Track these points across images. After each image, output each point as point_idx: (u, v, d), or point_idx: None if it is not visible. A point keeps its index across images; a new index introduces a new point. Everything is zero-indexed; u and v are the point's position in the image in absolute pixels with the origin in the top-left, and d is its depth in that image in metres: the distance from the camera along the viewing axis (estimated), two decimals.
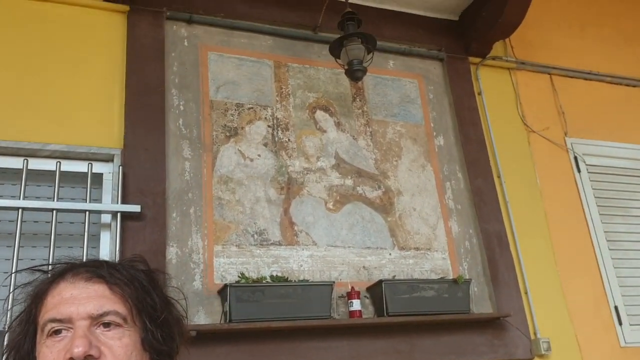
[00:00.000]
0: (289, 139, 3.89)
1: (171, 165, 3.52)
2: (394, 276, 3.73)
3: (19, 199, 3.08)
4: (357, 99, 4.24)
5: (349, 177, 3.94)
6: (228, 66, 3.94)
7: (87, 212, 3.20)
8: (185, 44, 3.88)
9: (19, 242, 3.01)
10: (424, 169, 4.19)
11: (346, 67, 3.75)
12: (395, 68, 4.46)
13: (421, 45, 4.55)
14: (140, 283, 1.35)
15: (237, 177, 3.65)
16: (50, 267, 1.36)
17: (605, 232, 4.41)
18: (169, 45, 3.80)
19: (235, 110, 3.83)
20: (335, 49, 3.79)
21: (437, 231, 4.02)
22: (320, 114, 4.09)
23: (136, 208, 3.26)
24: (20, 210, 3.08)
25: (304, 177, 3.82)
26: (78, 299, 1.26)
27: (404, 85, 4.46)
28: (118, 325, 1.28)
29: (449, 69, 4.57)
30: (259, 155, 3.77)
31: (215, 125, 3.73)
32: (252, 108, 3.88)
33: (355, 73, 3.72)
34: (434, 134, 4.36)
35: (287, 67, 4.11)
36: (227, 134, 3.74)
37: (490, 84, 4.67)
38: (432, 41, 4.58)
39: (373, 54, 3.81)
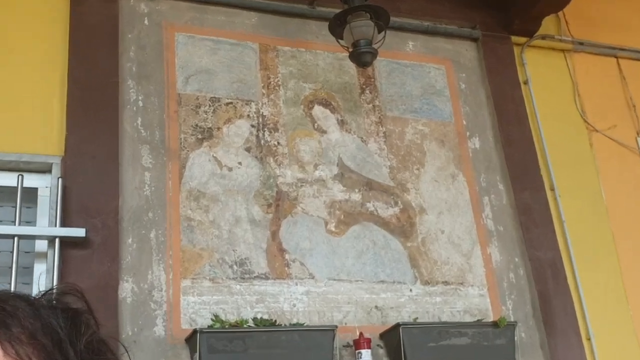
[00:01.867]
0: (278, 142, 3.86)
1: (126, 176, 3.51)
2: (416, 318, 3.67)
3: None
4: (367, 91, 4.22)
5: (357, 191, 3.90)
6: (201, 51, 3.93)
7: (15, 238, 3.15)
8: (146, 22, 3.87)
9: None
10: (454, 179, 4.15)
11: (351, 49, 3.73)
12: (416, 51, 4.44)
13: (449, 21, 4.52)
14: (54, 336, 1.10)
15: (212, 191, 3.62)
16: None
17: None
18: (124, 24, 3.80)
19: (209, 106, 3.82)
20: (337, 27, 3.76)
21: (473, 260, 3.96)
22: (318, 110, 4.06)
23: (80, 232, 3.23)
24: None
25: (298, 190, 3.78)
26: None
27: (428, 73, 4.43)
28: None
29: (486, 51, 4.54)
30: (240, 164, 3.74)
31: (184, 125, 3.71)
32: (231, 103, 3.87)
33: (362, 57, 3.68)
34: (467, 134, 4.33)
35: (277, 51, 4.09)
36: (199, 136, 3.72)
37: (540, 70, 4.63)
38: (464, 16, 4.55)
39: (385, 32, 3.78)
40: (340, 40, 3.80)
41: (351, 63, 3.91)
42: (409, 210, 3.97)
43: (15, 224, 3.17)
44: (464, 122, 4.36)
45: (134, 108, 3.67)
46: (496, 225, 4.10)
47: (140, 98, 3.70)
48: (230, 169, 3.71)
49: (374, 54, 3.68)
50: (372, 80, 4.26)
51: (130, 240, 3.40)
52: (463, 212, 4.07)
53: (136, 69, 3.75)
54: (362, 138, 4.08)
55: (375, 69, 4.26)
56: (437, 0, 4.50)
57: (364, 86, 4.23)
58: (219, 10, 4.05)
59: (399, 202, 3.97)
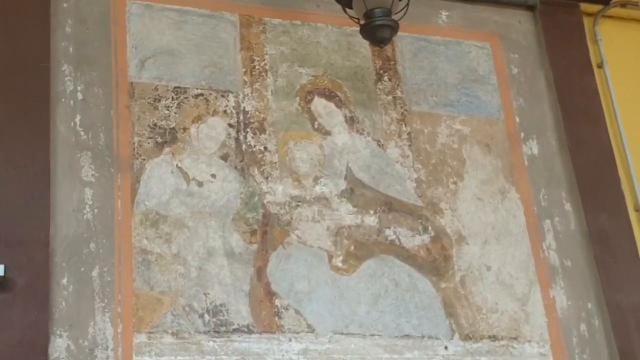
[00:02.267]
0: (265, 148, 3.85)
1: (60, 194, 3.50)
2: None
3: None
4: (385, 78, 4.18)
5: (372, 213, 3.87)
6: (161, 24, 3.91)
7: None
8: None
9: None
10: (504, 196, 4.12)
11: (363, 22, 3.72)
12: (451, 23, 4.39)
13: None
14: None
15: (176, 213, 3.60)
16: None
17: None
18: None
19: (172, 99, 3.81)
20: None
21: (530, 307, 3.92)
22: (320, 104, 4.04)
23: None
24: None
25: (292, 212, 3.76)
26: None
27: (467, 53, 4.37)
28: None
29: (546, 24, 4.52)
30: (214, 176, 3.72)
31: (139, 125, 3.70)
32: (201, 95, 3.85)
33: (378, 32, 3.68)
34: (522, 135, 4.30)
35: (263, 25, 4.06)
36: (159, 139, 3.71)
37: (619, 48, 4.65)
38: None
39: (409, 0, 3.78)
40: (348, 10, 3.79)
41: (363, 40, 3.89)
42: (443, 239, 3.93)
43: None
44: (517, 120, 4.33)
45: (71, 102, 3.66)
46: (562, 259, 4.07)
47: (79, 89, 3.68)
48: (200, 184, 3.68)
49: (394, 28, 3.66)
50: (393, 63, 4.22)
51: (65, 281, 3.37)
52: (516, 241, 4.04)
53: (74, 50, 3.74)
54: (378, 141, 4.04)
55: (397, 49, 4.21)
56: None
57: (381, 71, 4.19)
58: None
59: (430, 228, 3.94)
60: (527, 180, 4.19)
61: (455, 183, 4.09)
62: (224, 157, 3.78)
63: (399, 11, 3.73)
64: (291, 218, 3.75)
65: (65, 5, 3.80)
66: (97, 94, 3.70)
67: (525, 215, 4.11)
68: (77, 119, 3.64)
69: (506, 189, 4.15)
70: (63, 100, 3.65)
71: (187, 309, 3.46)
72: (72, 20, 3.79)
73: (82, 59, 3.73)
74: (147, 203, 3.59)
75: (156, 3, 3.94)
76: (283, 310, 3.58)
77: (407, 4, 3.76)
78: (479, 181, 4.12)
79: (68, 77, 3.69)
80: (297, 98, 4.02)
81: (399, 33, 3.89)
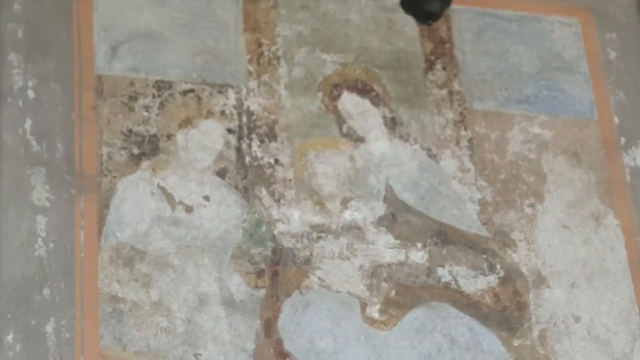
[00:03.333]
0: (276, 160, 3.84)
1: (5, 223, 3.51)
2: None
3: None
4: (438, 65, 4.17)
5: (419, 246, 3.85)
6: (137, 0, 3.93)
7: None
8: None
9: None
10: (598, 222, 4.08)
11: None
12: None
13: None
14: None
15: (157, 248, 3.60)
16: None
17: None
18: None
19: (154, 97, 3.82)
20: None
21: None
22: (350, 101, 4.03)
23: None
24: None
25: (313, 246, 3.74)
26: None
27: (549, 32, 4.37)
28: None
29: None
30: (207, 199, 3.71)
31: (109, 131, 3.71)
32: (192, 91, 3.86)
33: (425, 4, 3.70)
34: (622, 141, 4.27)
35: None
36: (135, 150, 3.71)
37: None
38: None
39: None
40: None
41: (408, 17, 3.90)
42: (516, 281, 3.89)
43: None
44: (616, 120, 4.30)
45: (20, 102, 3.68)
46: None
47: (30, 85, 3.71)
48: (189, 209, 3.68)
49: (445, 0, 3.64)
50: (448, 46, 4.21)
51: (10, 338, 3.37)
52: (615, 282, 3.99)
53: (24, 34, 3.78)
54: (429, 150, 4.03)
55: (453, 27, 4.23)
56: None
57: (432, 57, 4.18)
58: None
59: (498, 267, 3.90)
60: (630, 201, 4.17)
61: (532, 206, 4.05)
62: (221, 174, 3.78)
63: None
64: (311, 254, 3.74)
65: None
66: (54, 92, 3.73)
67: (627, 248, 4.07)
68: (28, 124, 3.66)
69: (601, 214, 4.11)
70: (9, 99, 3.68)
71: None
72: None
73: (35, 46, 3.77)
74: (118, 234, 3.59)
75: None
76: None
77: None
78: (564, 203, 4.09)
79: (16, 70, 3.73)
80: (320, 93, 4.02)
81: (457, 6, 3.91)
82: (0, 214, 3.50)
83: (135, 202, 3.63)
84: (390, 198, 3.90)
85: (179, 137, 3.77)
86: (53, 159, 3.61)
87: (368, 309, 3.70)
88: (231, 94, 3.88)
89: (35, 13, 3.79)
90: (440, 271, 3.83)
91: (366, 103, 4.04)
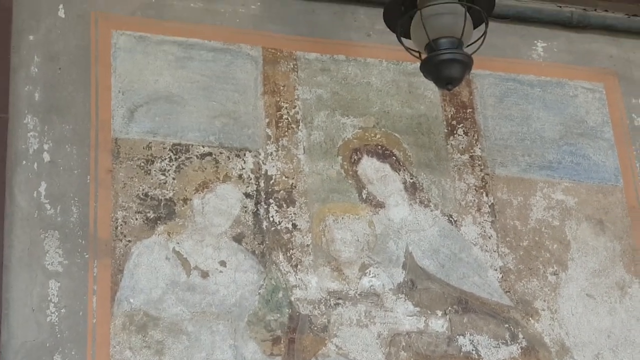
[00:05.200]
0: (294, 225, 3.81)
1: (16, 288, 3.46)
2: None
3: None
4: (460, 130, 4.16)
5: (440, 314, 3.80)
6: (158, 62, 3.94)
7: None
8: (61, 14, 3.90)
9: None
10: (624, 292, 4.04)
11: (425, 55, 3.67)
12: (551, 58, 4.40)
13: (610, 3, 4.52)
14: None
15: (171, 314, 3.55)
16: None
17: None
18: (22, 18, 3.83)
19: (171, 160, 3.80)
20: (398, 17, 3.73)
21: None
22: (370, 166, 4.01)
23: None
24: None
25: (331, 314, 3.70)
26: None
27: (573, 97, 4.35)
28: None
29: None
30: (224, 265, 3.68)
31: (124, 195, 3.68)
32: (209, 155, 3.84)
33: (445, 69, 3.61)
34: None
35: (295, 61, 4.09)
36: (151, 214, 3.68)
37: None
38: None
39: (487, 25, 3.73)
40: (405, 41, 3.76)
41: (428, 80, 3.80)
42: (540, 352, 3.84)
43: None
44: None
45: (35, 165, 3.65)
46: None
47: (46, 147, 3.68)
48: (205, 275, 3.64)
49: (466, 65, 3.60)
50: (470, 111, 4.20)
51: None
52: None
53: (41, 97, 3.76)
54: (450, 217, 4.00)
55: (475, 92, 4.23)
56: None
57: (454, 122, 4.17)
58: None
59: (521, 336, 3.85)
60: None
61: (555, 274, 4.01)
62: (238, 239, 3.75)
63: (474, 42, 3.69)
64: (328, 321, 3.69)
65: (31, 37, 3.84)
66: (69, 154, 3.70)
67: None
68: (42, 187, 3.63)
69: (627, 283, 4.07)
70: (24, 162, 3.65)
71: None
72: (40, 58, 3.83)
73: (52, 108, 3.75)
74: (132, 300, 3.54)
75: (152, 34, 3.99)
76: None
77: (485, 33, 3.71)
78: (589, 271, 4.05)
79: (32, 132, 3.70)
80: (339, 158, 4.01)
81: (479, 71, 3.93)
82: (13, 278, 3.46)
83: (149, 267, 3.60)
84: (409, 265, 3.87)
85: (196, 201, 3.75)
86: (67, 222, 3.58)
87: None
88: (249, 157, 3.87)
89: (52, 75, 3.79)
90: (461, 340, 3.78)
91: (386, 168, 4.03)
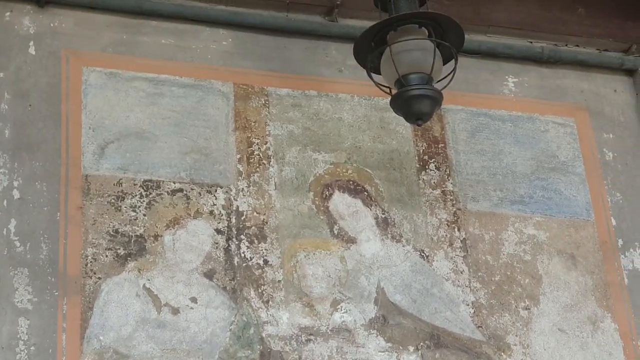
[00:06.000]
0: (265, 261, 3.79)
1: None
2: None
3: None
4: (432, 165, 4.16)
5: (411, 349, 3.78)
6: (128, 99, 3.93)
7: None
8: (32, 50, 3.91)
9: None
10: (595, 327, 4.04)
11: (395, 91, 3.66)
12: (522, 93, 4.42)
13: (582, 40, 4.54)
14: None
15: (141, 352, 3.53)
16: None
17: None
18: None
19: (141, 197, 3.78)
20: (368, 52, 3.73)
21: None
22: (342, 202, 4.00)
23: None
24: None
25: (302, 350, 3.68)
26: None
27: (544, 132, 4.37)
28: None
29: None
30: (194, 300, 3.66)
31: (94, 232, 3.66)
32: (180, 191, 3.83)
33: (415, 105, 3.60)
34: (620, 243, 4.24)
35: (266, 97, 4.10)
36: (121, 251, 3.66)
37: None
38: (608, 32, 4.56)
39: (457, 60, 3.72)
40: (375, 76, 3.75)
41: (399, 117, 3.78)
42: None
43: None
44: (613, 222, 4.27)
45: (4, 202, 3.63)
46: None
47: (15, 185, 3.67)
48: (175, 312, 3.62)
49: (435, 100, 3.59)
50: (441, 146, 4.20)
51: None
52: None
53: (11, 134, 3.74)
54: (422, 252, 3.99)
55: (447, 126, 4.24)
56: (556, 3, 4.52)
57: (425, 157, 4.17)
58: (163, 27, 4.10)
59: None
60: (628, 304, 4.12)
61: (527, 309, 4.01)
62: (209, 275, 3.73)
63: (444, 77, 3.68)
64: (300, 357, 3.68)
65: (1, 74, 3.83)
66: (39, 191, 3.69)
67: (625, 354, 4.02)
68: (12, 224, 3.62)
69: (599, 317, 4.06)
70: None
71: None
72: (11, 95, 3.82)
73: (22, 145, 3.74)
74: (102, 338, 3.52)
75: (123, 70, 3.98)
76: None
77: (455, 68, 3.70)
78: (561, 306, 4.05)
79: (2, 169, 3.69)
80: (311, 193, 4.00)
81: (450, 106, 3.94)
82: None
83: (119, 304, 3.57)
84: (381, 300, 3.86)
85: (167, 237, 3.73)
86: (37, 260, 3.56)
87: None
88: (220, 193, 3.86)
89: (22, 112, 3.78)
90: None
91: (358, 203, 4.02)
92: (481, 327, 3.89)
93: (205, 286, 3.69)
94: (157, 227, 3.73)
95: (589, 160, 4.34)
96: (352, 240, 3.93)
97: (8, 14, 3.90)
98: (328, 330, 3.73)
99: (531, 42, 4.49)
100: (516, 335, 3.91)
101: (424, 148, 4.17)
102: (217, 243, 3.76)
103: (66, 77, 3.86)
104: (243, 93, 4.05)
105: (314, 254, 3.86)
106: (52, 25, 3.93)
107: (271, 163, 3.96)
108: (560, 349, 3.94)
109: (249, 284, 3.73)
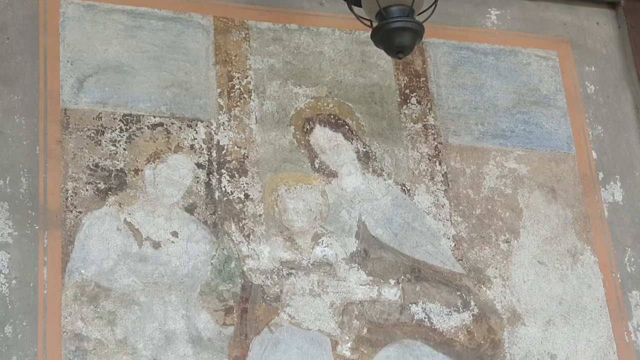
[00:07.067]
0: (246, 195, 3.80)
1: None
2: None
3: None
4: (413, 99, 4.15)
5: (392, 283, 3.80)
6: (107, 31, 3.91)
7: None
8: None
9: None
10: (575, 259, 4.06)
11: (376, 23, 3.65)
12: (504, 26, 4.40)
13: None
14: None
15: (123, 285, 3.54)
16: None
17: None
18: None
19: (121, 131, 3.78)
20: None
21: None
22: (323, 135, 4.01)
23: None
24: None
25: (283, 283, 3.70)
26: None
27: (526, 65, 4.36)
28: None
29: (635, 25, 4.51)
30: (175, 235, 3.67)
31: (74, 166, 3.66)
32: (160, 125, 3.82)
33: (395, 38, 3.60)
34: (600, 176, 4.26)
35: (247, 30, 4.07)
36: (101, 185, 3.66)
37: None
38: None
39: None
40: (356, 9, 3.74)
41: (380, 50, 3.80)
42: (491, 319, 3.86)
43: None
44: (594, 155, 4.28)
45: None
46: None
47: None
48: (156, 245, 3.63)
49: (417, 33, 3.59)
50: (423, 80, 4.19)
51: None
52: (592, 320, 3.96)
53: None
54: (403, 186, 4.00)
55: (428, 61, 4.23)
56: None
57: (407, 91, 4.16)
58: None
59: (472, 304, 3.87)
60: (608, 237, 4.15)
61: (507, 242, 4.03)
62: (190, 209, 3.74)
63: (425, 10, 3.68)
64: (281, 291, 3.70)
65: None
66: (18, 125, 3.68)
67: (605, 285, 4.05)
68: None
69: (578, 250, 4.09)
70: None
71: None
72: None
73: (0, 79, 3.72)
74: (83, 271, 3.52)
75: (101, 2, 3.95)
76: None
77: (436, 1, 3.70)
78: (540, 239, 4.07)
79: None
80: (292, 127, 4.00)
81: (432, 39, 3.93)
82: None
83: (100, 238, 3.58)
84: (362, 234, 3.88)
85: (147, 172, 3.74)
86: (16, 194, 3.56)
87: (339, 347, 3.67)
88: (201, 128, 3.86)
89: (0, 45, 3.76)
90: (414, 308, 3.80)
91: (339, 137, 4.03)
92: (462, 260, 3.92)
93: (186, 220, 3.70)
94: (137, 161, 3.73)
95: (570, 94, 4.35)
96: (333, 174, 3.94)
97: None
98: (309, 264, 3.75)
99: None
100: (496, 268, 3.94)
101: (405, 82, 4.17)
102: (197, 177, 3.77)
103: (44, 10, 3.83)
104: (223, 26, 4.03)
105: (295, 188, 3.87)
106: None
107: (252, 97, 3.96)
108: (540, 281, 3.97)
109: (230, 218, 3.73)
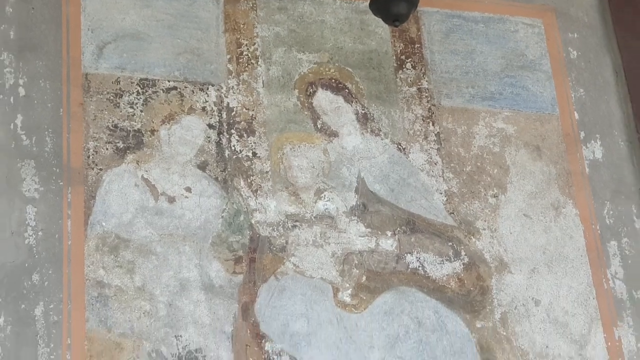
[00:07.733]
0: (254, 153, 3.87)
1: None
2: None
3: None
4: (408, 64, 4.20)
5: (389, 234, 3.88)
6: (124, 1, 3.96)
7: None
8: None
9: None
10: (558, 212, 4.13)
11: None
12: None
13: None
14: None
15: (140, 237, 3.62)
16: None
17: None
18: None
19: (138, 94, 3.85)
20: None
21: (590, 350, 3.89)
22: (325, 98, 4.07)
23: None
24: None
25: (288, 235, 3.77)
26: None
27: (514, 33, 4.41)
28: None
29: None
30: (189, 190, 3.75)
31: (95, 127, 3.74)
32: (174, 89, 3.89)
33: (392, 6, 3.69)
34: (582, 135, 4.31)
35: (254, 0, 4.13)
36: (120, 144, 3.74)
37: None
38: None
39: None
40: None
41: (377, 18, 3.90)
42: (480, 267, 3.93)
43: None
44: (576, 116, 4.33)
45: (11, 99, 3.69)
46: (630, 290, 4.04)
47: (21, 82, 3.72)
48: (171, 200, 3.70)
49: (412, 2, 3.66)
50: (417, 46, 4.24)
51: (1, 321, 3.37)
52: (574, 268, 4.03)
53: (16, 35, 3.78)
54: (399, 145, 4.07)
55: (423, 28, 4.25)
56: None
57: (402, 57, 4.21)
58: None
59: (463, 253, 3.94)
60: (588, 192, 4.20)
61: (495, 196, 4.09)
62: (202, 166, 3.80)
63: None
64: (286, 242, 3.76)
65: None
66: (43, 89, 3.73)
67: (585, 236, 4.11)
68: (19, 119, 3.67)
69: (561, 203, 4.15)
70: (1, 97, 3.68)
71: (153, 355, 3.45)
72: None
73: (26, 46, 3.77)
74: (104, 224, 3.60)
75: None
76: (275, 357, 3.57)
77: None
78: (526, 194, 4.13)
79: (8, 68, 3.73)
80: (296, 91, 4.04)
81: (426, 8, 3.95)
82: None
83: (120, 193, 3.65)
84: (361, 189, 3.93)
85: (162, 132, 3.80)
86: (42, 152, 3.63)
87: (340, 294, 3.73)
88: (212, 91, 3.91)
89: (26, 15, 3.81)
90: (409, 258, 3.86)
91: (340, 100, 4.07)
92: (453, 213, 3.99)
93: (199, 177, 3.77)
94: (153, 122, 3.80)
95: (554, 59, 4.41)
96: (334, 134, 4.01)
97: None
98: (312, 217, 3.82)
99: None
100: (485, 221, 4.02)
101: (401, 48, 4.22)
102: (209, 137, 3.84)
103: None
104: None
105: (299, 146, 3.93)
106: None
107: (259, 63, 4.01)
108: (525, 233, 4.04)
109: (238, 174, 3.80)
